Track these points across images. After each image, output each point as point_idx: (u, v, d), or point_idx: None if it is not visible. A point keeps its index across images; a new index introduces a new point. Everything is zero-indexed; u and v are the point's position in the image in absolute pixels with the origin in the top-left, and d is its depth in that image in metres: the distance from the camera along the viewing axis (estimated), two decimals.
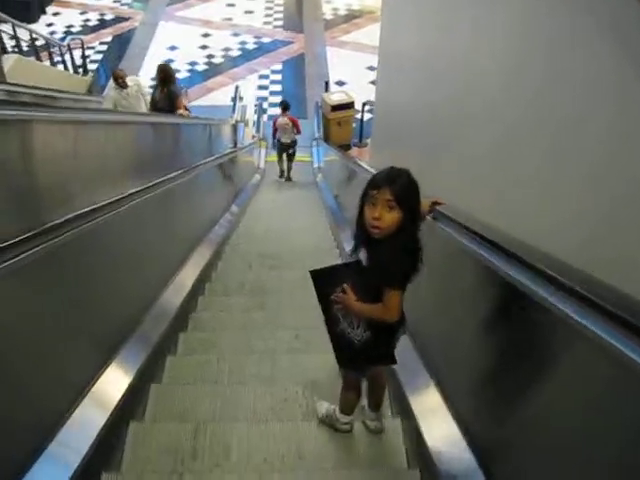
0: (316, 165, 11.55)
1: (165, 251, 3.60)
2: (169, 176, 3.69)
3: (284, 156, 10.32)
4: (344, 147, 10.98)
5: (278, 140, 10.07)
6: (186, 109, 6.43)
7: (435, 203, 2.24)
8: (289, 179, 10.63)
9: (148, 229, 3.27)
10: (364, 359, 2.01)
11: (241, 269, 4.76)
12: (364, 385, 2.35)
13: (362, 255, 1.88)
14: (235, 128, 9.52)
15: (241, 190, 8.20)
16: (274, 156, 10.98)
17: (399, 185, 1.73)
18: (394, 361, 2.02)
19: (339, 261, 4.57)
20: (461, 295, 2.19)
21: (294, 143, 10.05)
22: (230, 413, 2.52)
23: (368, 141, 11.22)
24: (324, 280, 1.90)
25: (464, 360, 2.10)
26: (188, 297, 3.55)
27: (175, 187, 3.80)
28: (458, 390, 2.13)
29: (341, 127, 11.81)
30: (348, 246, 4.26)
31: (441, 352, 2.36)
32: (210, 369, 2.87)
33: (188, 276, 3.77)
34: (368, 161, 6.81)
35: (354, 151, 11.74)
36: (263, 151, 12.32)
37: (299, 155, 10.97)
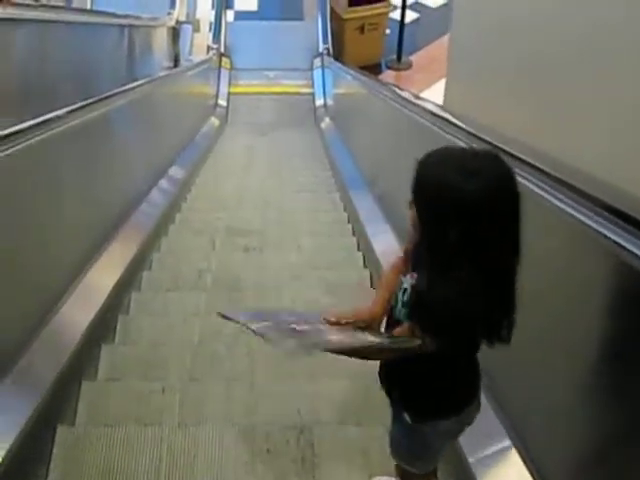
0: (320, 102, 7.38)
1: (59, 238, 2.27)
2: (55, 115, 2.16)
3: None
4: (370, 69, 7.02)
5: None
6: None
7: None
8: None
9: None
10: None
11: (199, 250, 3.37)
12: None
13: None
14: (176, 34, 6.63)
15: (188, 142, 5.37)
16: (244, 86, 7.23)
17: None
18: None
19: (355, 248, 3.37)
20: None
21: None
22: (179, 473, 1.67)
23: (412, 59, 7.77)
24: None
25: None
26: (114, 294, 2.48)
27: (68, 137, 2.30)
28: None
29: (365, 35, 7.55)
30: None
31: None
32: (150, 404, 1.94)
33: (111, 264, 2.61)
34: (425, 97, 3.51)
35: (387, 75, 7.64)
36: (225, 75, 7.72)
37: (290, 83, 7.19)
